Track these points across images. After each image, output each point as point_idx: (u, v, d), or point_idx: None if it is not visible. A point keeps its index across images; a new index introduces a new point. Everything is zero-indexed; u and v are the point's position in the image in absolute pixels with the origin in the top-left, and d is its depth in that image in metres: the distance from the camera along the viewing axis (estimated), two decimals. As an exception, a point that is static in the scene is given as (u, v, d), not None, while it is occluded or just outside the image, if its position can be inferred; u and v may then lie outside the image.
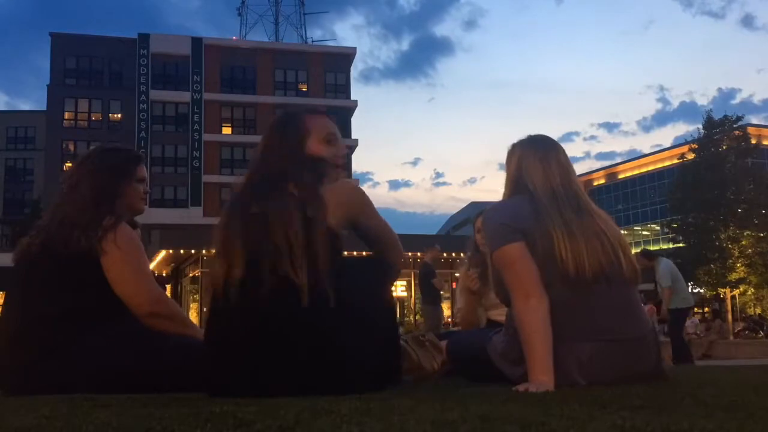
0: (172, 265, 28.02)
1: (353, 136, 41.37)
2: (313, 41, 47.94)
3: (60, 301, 2.16)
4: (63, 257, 2.17)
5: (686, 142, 32.53)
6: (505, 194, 2.34)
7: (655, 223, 47.27)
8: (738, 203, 28.97)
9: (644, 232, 49.38)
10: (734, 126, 30.12)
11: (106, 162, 2.41)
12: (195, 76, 40.23)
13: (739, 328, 24.88)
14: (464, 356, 2.52)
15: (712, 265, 28.52)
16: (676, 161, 35.15)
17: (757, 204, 28.84)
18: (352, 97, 42.86)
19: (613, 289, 2.08)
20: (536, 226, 2.09)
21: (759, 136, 37.93)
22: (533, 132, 2.42)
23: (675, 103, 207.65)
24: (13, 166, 43.84)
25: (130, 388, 1.94)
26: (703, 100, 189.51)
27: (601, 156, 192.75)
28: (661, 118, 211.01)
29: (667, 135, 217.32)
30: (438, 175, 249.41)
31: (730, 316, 28.91)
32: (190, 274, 26.66)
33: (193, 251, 23.78)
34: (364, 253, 2.30)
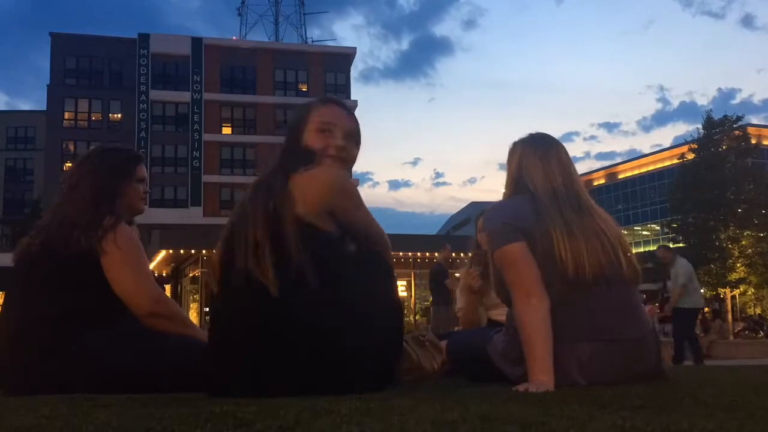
0: (172, 265, 28.02)
1: (353, 136, 41.28)
2: (313, 41, 48.01)
3: (60, 301, 2.16)
4: (63, 257, 2.17)
5: (686, 142, 32.53)
6: (506, 193, 2.33)
7: (655, 223, 47.26)
8: (738, 203, 28.97)
9: (644, 232, 49.39)
10: (734, 126, 30.12)
11: (106, 162, 2.41)
12: (195, 76, 40.24)
13: (739, 328, 24.89)
14: (464, 356, 2.52)
15: (712, 265, 28.52)
16: (676, 161, 35.16)
17: (757, 204, 28.84)
18: (352, 97, 42.87)
19: (613, 289, 2.08)
20: (537, 225, 2.09)
21: (759, 136, 37.92)
22: (534, 131, 2.41)
23: (675, 103, 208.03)
24: (13, 166, 43.86)
25: (130, 388, 1.94)
26: (703, 100, 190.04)
27: (601, 156, 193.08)
28: (661, 118, 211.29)
29: (667, 135, 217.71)
30: (438, 175, 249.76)
31: (730, 316, 28.91)
32: (190, 274, 26.66)
33: (193, 251, 23.79)
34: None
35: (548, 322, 2.00)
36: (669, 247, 10.70)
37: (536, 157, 2.24)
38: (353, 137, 2.19)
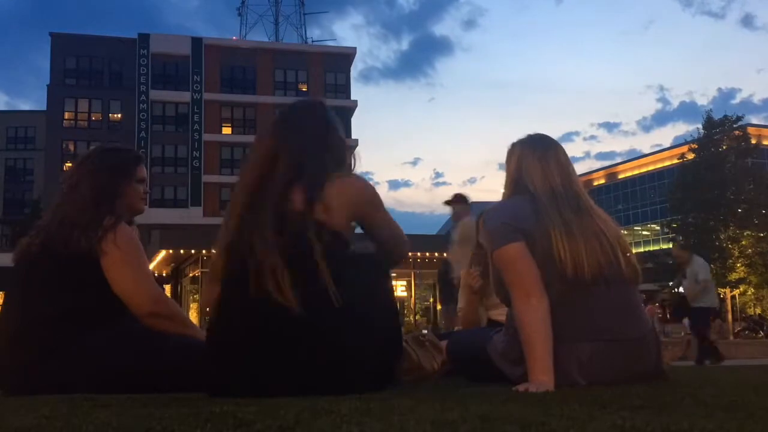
0: (172, 265, 28.02)
1: (353, 136, 41.40)
2: (313, 41, 48.03)
3: (60, 301, 2.16)
4: (63, 257, 2.17)
5: (686, 142, 32.59)
6: (505, 194, 2.34)
7: (655, 223, 47.28)
8: (738, 203, 29.02)
9: (644, 232, 49.40)
10: (734, 126, 30.17)
11: (106, 162, 2.41)
12: (195, 76, 40.26)
13: (739, 328, 24.91)
14: (464, 356, 2.52)
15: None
16: (676, 161, 35.20)
17: (757, 204, 28.88)
18: (352, 97, 42.90)
19: (612, 289, 2.08)
20: (536, 226, 2.09)
21: (759, 136, 37.94)
22: (533, 132, 2.42)
23: (675, 103, 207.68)
24: (13, 166, 43.88)
25: (130, 388, 1.94)
26: (703, 100, 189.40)
27: (601, 156, 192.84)
28: (661, 118, 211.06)
29: (667, 135, 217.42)
30: (438, 175, 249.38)
31: (730, 316, 28.95)
32: (190, 274, 26.67)
33: (193, 251, 23.79)
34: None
35: (548, 322, 2.00)
36: (684, 245, 10.61)
37: (535, 158, 2.24)
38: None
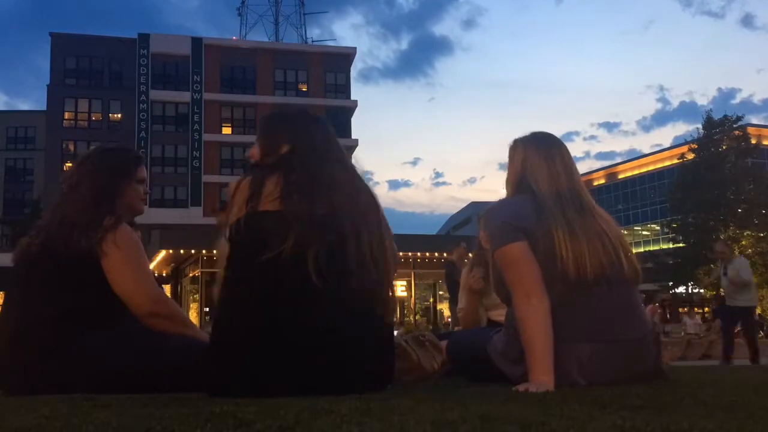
0: (172, 265, 28.03)
1: (353, 136, 41.38)
2: (313, 41, 48.00)
3: (60, 301, 2.16)
4: (63, 257, 2.17)
5: (686, 142, 32.59)
6: (508, 192, 2.33)
7: (655, 223, 47.29)
8: (738, 203, 29.02)
9: (644, 232, 49.41)
10: (734, 126, 30.17)
11: (106, 162, 2.40)
12: (195, 76, 40.23)
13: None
14: (464, 356, 2.52)
15: (712, 265, 28.52)
16: (676, 161, 35.20)
17: (757, 204, 28.88)
18: (352, 97, 42.88)
19: (613, 289, 2.08)
20: (538, 225, 2.08)
21: (759, 136, 37.95)
22: (536, 131, 2.39)
23: (675, 103, 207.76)
24: (13, 166, 43.86)
25: (130, 388, 1.94)
26: (703, 100, 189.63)
27: (601, 156, 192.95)
28: (661, 118, 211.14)
29: (667, 135, 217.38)
30: (438, 175, 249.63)
31: (730, 316, 28.88)
32: (190, 274, 26.67)
33: (193, 251, 23.79)
34: None
35: (548, 322, 2.00)
36: (727, 242, 10.54)
37: (541, 157, 2.23)
38: None
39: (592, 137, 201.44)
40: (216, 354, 1.92)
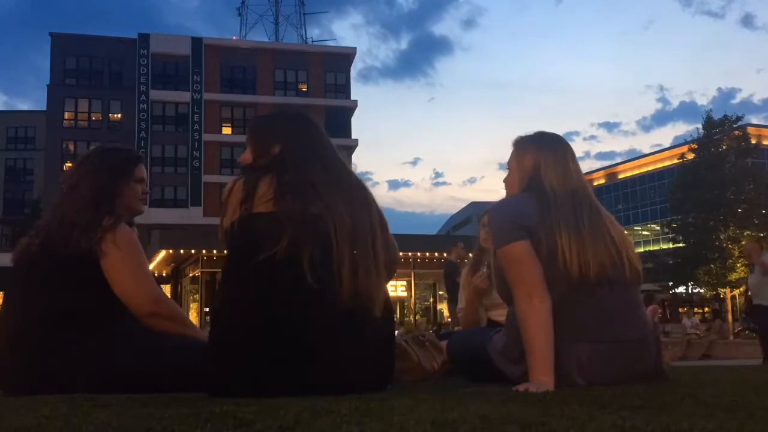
0: (172, 265, 28.02)
1: (353, 136, 41.39)
2: (313, 41, 47.99)
3: (60, 302, 2.16)
4: (63, 257, 2.17)
5: (686, 142, 32.56)
6: (511, 191, 2.32)
7: (655, 223, 47.29)
8: (738, 203, 29.00)
9: (644, 232, 49.41)
10: (734, 126, 30.15)
11: (105, 162, 2.40)
12: (195, 76, 40.23)
13: (739, 328, 24.88)
14: (464, 356, 2.52)
15: (712, 265, 28.54)
16: (676, 161, 35.18)
17: (757, 204, 28.87)
18: (352, 97, 42.88)
19: (615, 290, 2.08)
20: (541, 225, 2.07)
21: (759, 136, 37.94)
22: (542, 131, 2.37)
23: (675, 103, 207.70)
24: (13, 166, 43.88)
25: (130, 388, 1.94)
26: (703, 100, 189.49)
27: (601, 156, 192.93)
28: (661, 118, 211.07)
29: (667, 135, 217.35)
30: (437, 174, 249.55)
31: (730, 316, 28.91)
32: (190, 274, 26.66)
33: (193, 251, 23.77)
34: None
35: (550, 322, 2.00)
36: (759, 240, 10.34)
37: (557, 156, 2.22)
38: None
39: (592, 137, 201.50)
40: (216, 354, 1.92)
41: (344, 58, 43.55)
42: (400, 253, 2.20)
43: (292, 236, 1.85)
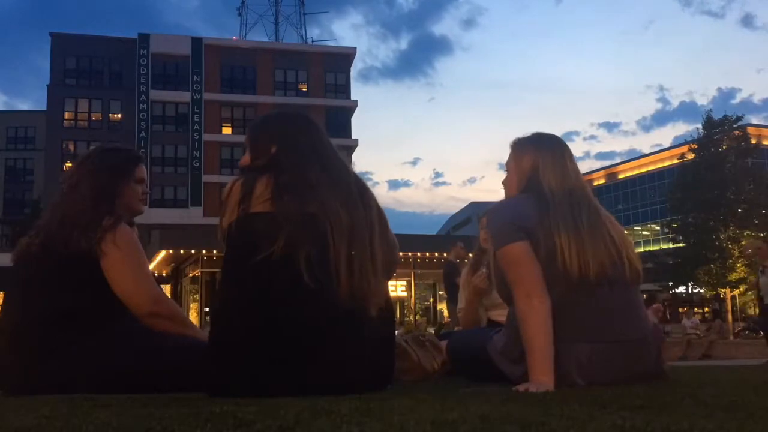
0: (172, 265, 28.02)
1: (353, 136, 41.39)
2: (313, 41, 47.99)
3: (60, 301, 2.16)
4: (63, 257, 2.17)
5: (686, 142, 32.58)
6: (509, 192, 2.32)
7: (655, 223, 47.30)
8: (738, 203, 29.01)
9: (644, 232, 49.42)
10: (734, 126, 30.16)
11: (105, 162, 2.40)
12: (195, 76, 40.23)
13: (739, 328, 24.90)
14: (464, 356, 2.52)
15: (712, 265, 28.55)
16: (676, 161, 35.20)
17: (757, 204, 28.88)
18: (352, 97, 42.88)
19: (615, 290, 2.08)
20: (540, 225, 2.08)
21: (759, 136, 37.95)
22: (535, 131, 2.38)
23: (675, 103, 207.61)
24: (13, 166, 43.90)
25: (130, 388, 1.94)
26: (703, 100, 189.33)
27: (601, 156, 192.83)
28: (661, 118, 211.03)
29: (667, 135, 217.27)
30: (437, 174, 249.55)
31: (730, 316, 28.95)
32: (190, 274, 26.65)
33: (193, 251, 23.77)
34: None
35: (549, 323, 2.00)
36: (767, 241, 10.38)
37: (555, 157, 2.23)
38: None
39: (592, 137, 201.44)
40: (216, 354, 1.92)
41: (344, 58, 43.56)
42: (400, 253, 2.20)
43: (288, 236, 1.85)
